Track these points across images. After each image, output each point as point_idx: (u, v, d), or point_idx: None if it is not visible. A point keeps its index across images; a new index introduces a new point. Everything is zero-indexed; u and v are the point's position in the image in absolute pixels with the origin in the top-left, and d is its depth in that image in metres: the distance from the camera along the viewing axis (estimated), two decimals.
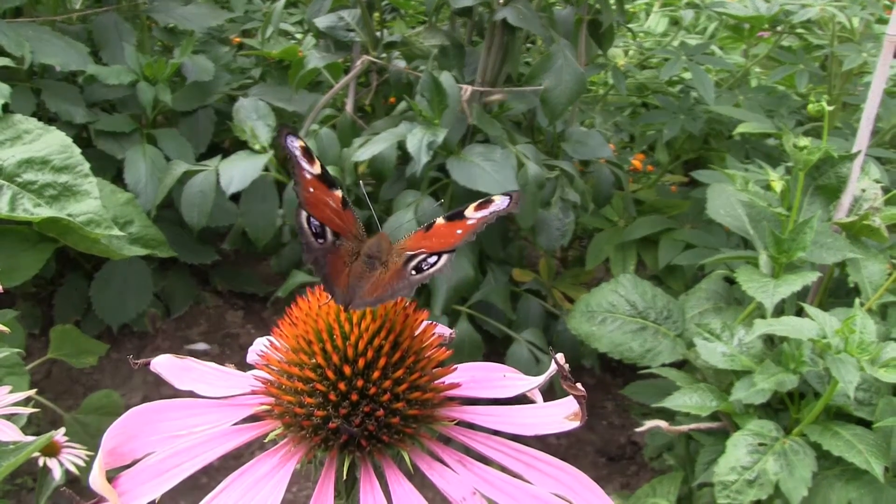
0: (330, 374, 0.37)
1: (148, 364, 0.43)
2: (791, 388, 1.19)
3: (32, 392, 0.73)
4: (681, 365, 1.42)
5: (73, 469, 0.84)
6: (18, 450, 0.58)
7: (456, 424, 0.39)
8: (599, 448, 1.74)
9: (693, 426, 1.31)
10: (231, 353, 1.84)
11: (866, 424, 1.18)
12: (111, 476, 0.37)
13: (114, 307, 1.69)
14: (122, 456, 0.38)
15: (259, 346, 0.43)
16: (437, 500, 0.39)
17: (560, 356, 0.41)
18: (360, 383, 0.37)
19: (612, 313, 1.43)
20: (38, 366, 1.59)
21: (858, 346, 1.08)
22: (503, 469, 0.38)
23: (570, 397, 0.40)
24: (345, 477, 0.37)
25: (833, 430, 1.17)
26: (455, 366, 0.40)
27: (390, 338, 0.38)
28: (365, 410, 0.36)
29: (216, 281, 1.98)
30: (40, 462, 0.84)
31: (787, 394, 1.25)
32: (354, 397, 0.36)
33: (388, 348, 0.37)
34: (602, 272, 1.97)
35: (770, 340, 1.29)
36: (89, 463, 0.86)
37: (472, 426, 0.40)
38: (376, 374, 0.37)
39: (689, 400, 1.27)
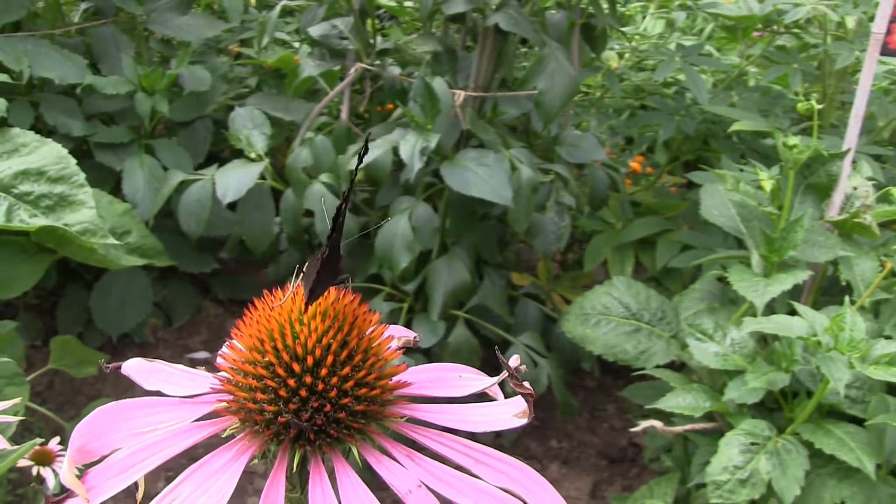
0: (280, 370, 0.38)
1: (119, 368, 0.45)
2: (783, 386, 1.20)
3: (18, 400, 0.74)
4: (678, 366, 1.42)
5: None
6: (2, 458, 0.58)
7: (407, 421, 0.40)
8: (601, 450, 1.74)
9: (688, 427, 1.31)
10: None
11: (859, 422, 1.18)
12: (80, 473, 0.39)
13: (113, 317, 1.71)
14: (89, 453, 0.40)
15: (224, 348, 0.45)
16: (389, 498, 0.40)
17: (515, 358, 0.42)
18: (308, 380, 0.38)
19: (606, 315, 1.43)
20: (39, 376, 1.61)
21: (848, 343, 1.08)
22: (454, 465, 0.39)
23: (519, 396, 0.41)
24: (296, 469, 0.38)
25: (825, 429, 1.17)
26: (405, 364, 0.41)
27: (339, 337, 0.39)
28: (313, 406, 0.38)
29: (216, 289, 1.99)
30: (34, 471, 0.85)
31: (781, 393, 1.25)
32: (303, 393, 0.38)
33: (335, 347, 0.38)
34: (601, 275, 1.97)
35: (763, 340, 1.30)
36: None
37: (423, 423, 0.41)
38: (324, 372, 0.38)
39: (683, 401, 1.27)
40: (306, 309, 0.40)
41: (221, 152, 1.96)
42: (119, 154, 1.70)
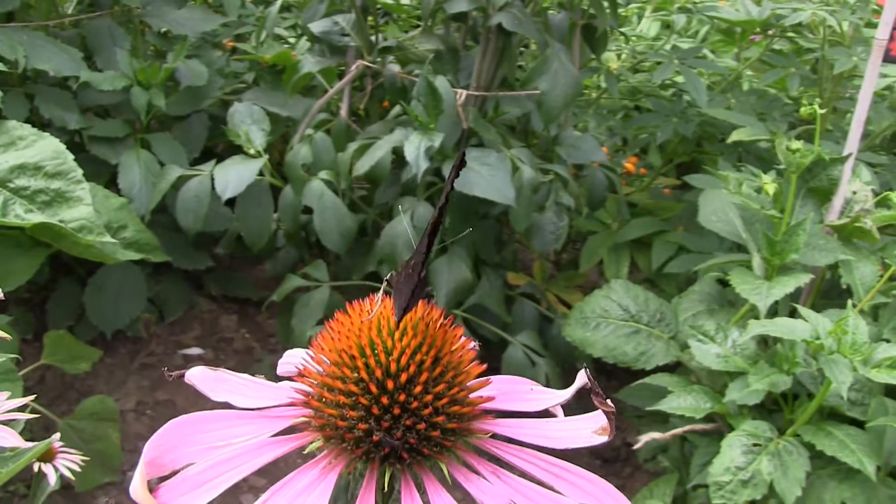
0: (373, 388, 0.38)
1: (182, 376, 0.44)
2: (785, 388, 1.21)
3: (30, 399, 0.74)
4: (675, 367, 1.43)
5: (67, 474, 0.84)
6: (17, 456, 0.58)
7: (489, 437, 0.40)
8: (594, 450, 1.75)
9: (687, 428, 1.32)
10: (225, 357, 1.84)
11: (859, 424, 1.20)
12: (151, 487, 0.38)
13: (107, 312, 1.69)
14: (161, 467, 0.39)
15: (294, 359, 0.44)
16: None
17: (585, 371, 0.42)
18: (402, 397, 0.37)
19: (606, 318, 1.44)
20: (31, 371, 1.59)
21: (851, 346, 1.10)
22: (535, 480, 0.39)
23: (599, 412, 0.41)
24: (385, 489, 0.37)
25: (826, 431, 1.19)
26: (490, 380, 0.41)
27: (431, 353, 0.39)
28: (406, 424, 0.37)
29: (210, 285, 1.98)
30: (35, 467, 0.84)
31: (781, 395, 1.26)
32: (396, 411, 0.37)
33: (429, 363, 0.38)
34: (596, 275, 1.98)
35: (764, 342, 1.31)
36: (84, 468, 0.86)
37: (503, 438, 0.41)
38: (418, 389, 0.38)
39: (683, 402, 1.28)
40: (398, 325, 0.39)
41: (216, 147, 1.95)
42: (115, 148, 1.68)
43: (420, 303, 0.40)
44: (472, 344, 0.47)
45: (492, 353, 1.61)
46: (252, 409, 0.42)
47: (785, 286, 1.26)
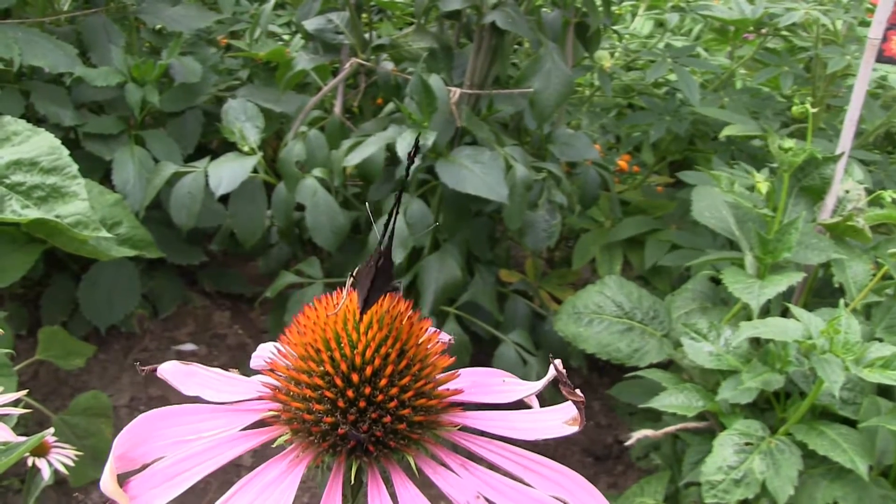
0: (338, 381, 0.38)
1: (155, 370, 0.44)
2: (777, 387, 1.21)
3: (23, 393, 0.74)
4: (668, 365, 1.43)
5: (62, 469, 0.84)
6: (10, 450, 0.58)
7: (458, 429, 0.40)
8: (586, 448, 1.75)
9: (680, 426, 1.32)
10: (219, 353, 1.85)
11: (851, 424, 1.20)
12: (121, 481, 0.38)
13: (101, 308, 1.69)
14: (132, 461, 0.39)
15: (264, 353, 0.44)
16: None
17: (558, 362, 0.42)
18: (367, 390, 0.38)
19: (599, 314, 1.44)
20: (25, 367, 1.59)
21: (843, 346, 1.10)
22: (504, 473, 0.39)
23: (569, 402, 0.41)
24: (352, 482, 0.38)
25: (818, 430, 1.19)
26: (458, 371, 0.41)
27: (397, 346, 0.39)
28: (372, 417, 0.37)
29: (204, 281, 1.98)
30: (29, 462, 0.84)
31: (774, 393, 1.26)
32: (362, 404, 0.37)
33: (394, 356, 0.38)
34: (588, 272, 1.98)
35: (756, 340, 1.31)
36: (77, 463, 0.86)
37: (473, 431, 0.41)
38: (383, 382, 0.38)
39: (676, 400, 1.28)
40: (361, 318, 0.39)
41: (210, 144, 1.95)
42: (109, 144, 1.68)
43: (388, 296, 0.40)
44: (448, 337, 0.47)
45: (484, 350, 1.61)
46: (223, 403, 0.42)
47: (777, 285, 1.26)
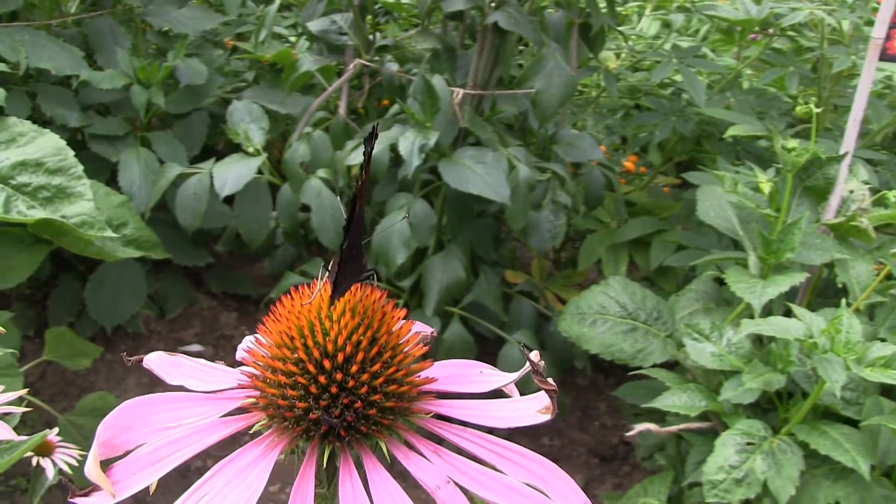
0: (311, 367, 0.38)
1: (141, 361, 0.45)
2: (779, 387, 1.21)
3: (25, 392, 0.74)
4: (672, 365, 1.43)
5: (66, 469, 0.84)
6: (12, 449, 0.58)
7: (432, 417, 0.41)
8: (592, 448, 1.75)
9: (683, 426, 1.32)
10: (225, 354, 1.85)
11: (853, 424, 1.19)
12: (105, 467, 0.39)
13: (108, 309, 1.70)
14: (115, 447, 0.40)
15: (246, 343, 0.45)
16: (417, 492, 0.40)
17: (535, 354, 0.42)
18: (339, 376, 0.38)
19: (603, 315, 1.44)
20: (32, 367, 1.60)
21: (845, 345, 1.09)
22: (478, 460, 0.39)
23: (542, 392, 0.41)
24: (325, 465, 0.38)
25: (820, 430, 1.18)
26: (431, 361, 0.42)
27: (368, 334, 0.39)
28: (344, 402, 0.38)
29: (210, 282, 1.99)
30: (34, 462, 0.84)
31: (776, 393, 1.26)
32: (334, 390, 0.38)
33: (365, 343, 0.39)
34: (594, 273, 1.98)
35: (759, 340, 1.30)
36: (83, 463, 0.87)
37: (448, 419, 0.41)
38: (354, 368, 0.38)
39: (679, 400, 1.28)
40: (332, 304, 0.40)
41: (216, 145, 1.96)
42: (115, 145, 1.69)
43: (361, 286, 0.40)
44: (430, 330, 0.47)
45: (488, 350, 1.61)
46: (204, 392, 0.43)
47: (780, 285, 1.25)
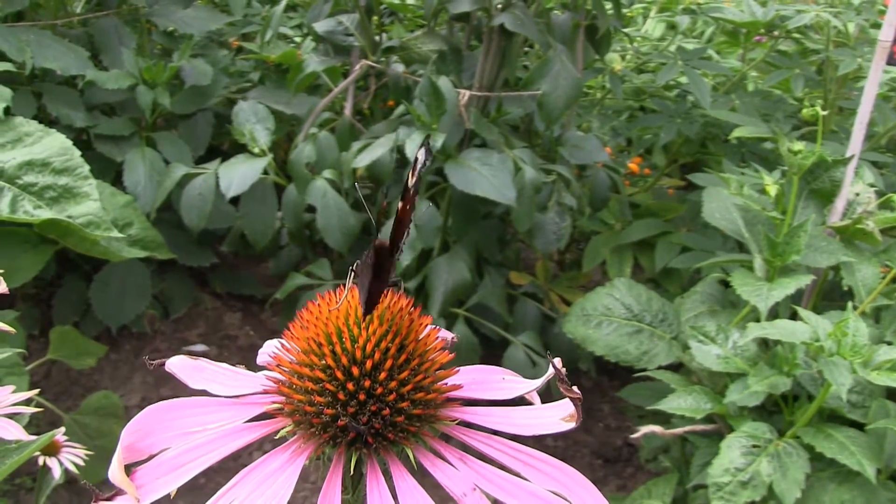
0: (339, 374, 0.38)
1: (163, 365, 0.45)
2: (785, 390, 1.21)
3: (34, 392, 0.74)
4: (677, 367, 1.43)
5: (72, 468, 0.84)
6: (21, 448, 0.58)
7: (457, 424, 0.41)
8: (596, 450, 1.75)
9: (688, 428, 1.32)
10: (229, 354, 1.85)
11: (859, 427, 1.19)
12: (128, 470, 0.39)
13: (113, 308, 1.70)
14: (139, 451, 0.40)
15: (269, 349, 0.45)
16: (440, 497, 0.40)
17: (557, 360, 0.42)
18: (367, 383, 0.38)
19: (608, 316, 1.44)
20: (37, 366, 1.60)
21: (851, 348, 1.09)
22: (502, 467, 0.39)
23: (566, 399, 0.41)
24: (352, 473, 0.38)
25: (826, 433, 1.18)
26: (457, 368, 0.42)
27: (396, 341, 0.39)
28: (372, 409, 0.38)
29: (214, 283, 1.99)
30: (40, 461, 0.84)
31: (781, 396, 1.26)
32: (362, 397, 0.38)
33: (394, 351, 0.39)
34: (598, 275, 1.98)
35: (764, 343, 1.31)
36: (88, 463, 0.87)
37: (472, 426, 0.41)
38: (383, 375, 0.38)
39: (684, 402, 1.28)
40: (364, 317, 0.40)
41: (222, 146, 1.96)
42: (120, 146, 1.69)
43: (389, 293, 0.41)
44: (451, 336, 0.47)
45: (493, 352, 1.62)
46: (228, 397, 0.43)
47: (785, 288, 1.25)
